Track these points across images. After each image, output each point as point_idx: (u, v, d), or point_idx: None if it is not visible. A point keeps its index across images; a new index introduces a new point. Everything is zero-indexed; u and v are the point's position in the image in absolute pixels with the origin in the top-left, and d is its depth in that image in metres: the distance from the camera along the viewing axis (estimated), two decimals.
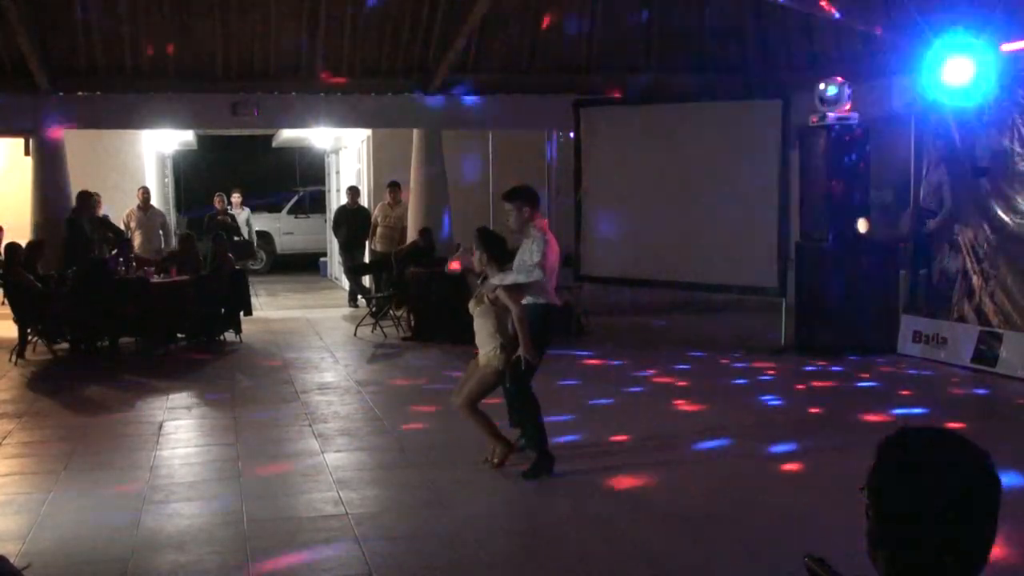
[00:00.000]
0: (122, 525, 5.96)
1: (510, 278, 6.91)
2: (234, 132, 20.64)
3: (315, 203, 24.95)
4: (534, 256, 6.92)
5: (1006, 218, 10.03)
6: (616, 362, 11.37)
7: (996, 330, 10.16)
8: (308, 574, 5.26)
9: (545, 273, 6.93)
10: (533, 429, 6.99)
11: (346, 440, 8.03)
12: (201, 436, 8.36)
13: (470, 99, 15.19)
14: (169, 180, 21.98)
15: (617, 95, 14.43)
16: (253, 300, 15.49)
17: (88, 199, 13.99)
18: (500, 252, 6.99)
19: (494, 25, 14.59)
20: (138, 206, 15.47)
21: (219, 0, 13.69)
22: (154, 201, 16.04)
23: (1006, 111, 9.98)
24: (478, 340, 6.91)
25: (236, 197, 19.30)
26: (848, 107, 11.26)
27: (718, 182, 11.99)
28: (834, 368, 10.58)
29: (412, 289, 13.28)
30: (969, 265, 10.52)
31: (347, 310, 15.97)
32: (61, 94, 14.15)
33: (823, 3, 11.49)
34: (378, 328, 13.37)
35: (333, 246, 19.68)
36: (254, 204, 20.88)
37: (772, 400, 9.38)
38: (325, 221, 22.09)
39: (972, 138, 10.42)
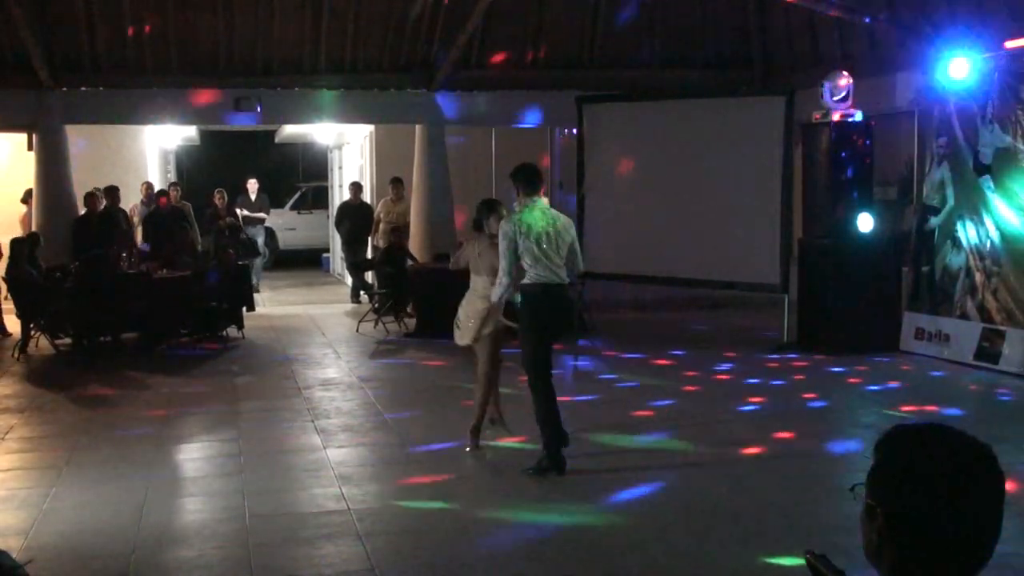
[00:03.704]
0: (124, 520, 5.97)
1: (497, 292, 7.02)
2: (237, 128, 20.62)
3: (318, 199, 24.96)
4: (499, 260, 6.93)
5: (1009, 215, 10.02)
6: (623, 355, 11.37)
7: (999, 327, 10.15)
8: (310, 569, 5.26)
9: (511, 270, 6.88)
10: (545, 422, 6.81)
11: (348, 436, 8.04)
12: (203, 431, 8.37)
13: (473, 95, 15.18)
14: (172, 175, 21.96)
15: (620, 91, 14.41)
16: (255, 296, 15.52)
17: (94, 198, 14.03)
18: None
19: (497, 21, 14.60)
20: (141, 201, 15.49)
21: None
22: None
23: (1009, 108, 9.97)
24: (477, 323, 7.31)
25: (253, 183, 19.01)
26: (851, 103, 11.24)
27: (721, 178, 11.97)
28: (836, 365, 10.56)
29: (414, 285, 13.29)
30: (972, 262, 10.51)
31: (350, 306, 15.98)
32: (64, 89, 14.15)
33: None
34: (380, 324, 13.38)
35: (336, 242, 19.68)
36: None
37: (773, 397, 9.37)
38: (328, 217, 22.12)
39: (975, 135, 10.40)
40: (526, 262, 6.79)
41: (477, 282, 7.36)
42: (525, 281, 6.85)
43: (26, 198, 14.95)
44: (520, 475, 6.76)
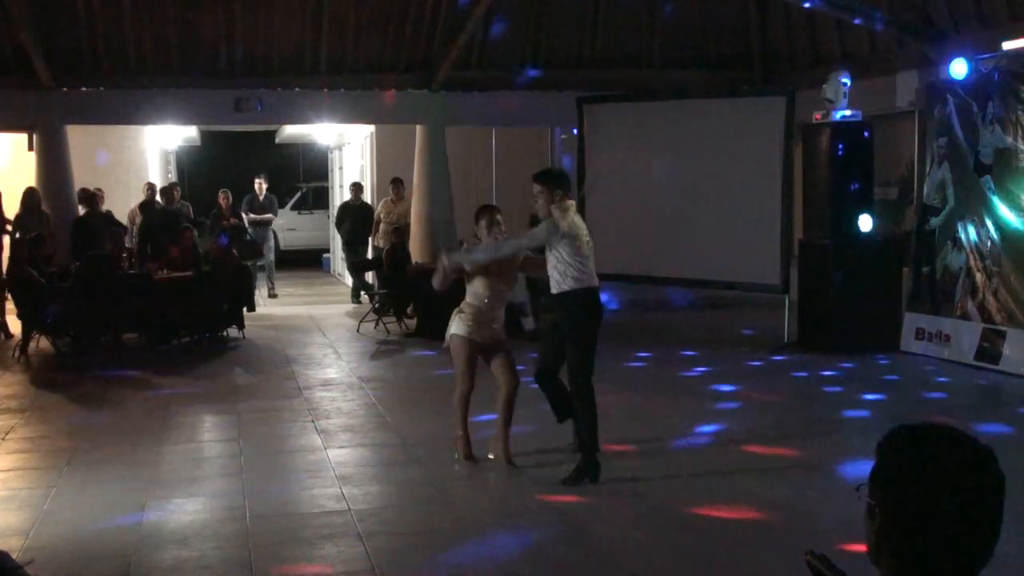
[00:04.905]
0: (125, 520, 5.98)
1: (475, 256, 6.94)
2: (237, 128, 20.64)
3: (318, 199, 25.00)
4: (521, 240, 6.87)
5: (1009, 215, 10.02)
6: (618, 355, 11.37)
7: (999, 327, 10.15)
8: (311, 570, 5.26)
9: (578, 257, 6.70)
10: (587, 427, 6.67)
11: (349, 436, 8.04)
12: (204, 432, 8.37)
13: (473, 95, 15.19)
14: (172, 176, 21.98)
15: (620, 91, 14.42)
16: (256, 296, 15.50)
17: (92, 197, 14.02)
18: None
19: (497, 21, 14.61)
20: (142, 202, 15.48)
21: None
22: (158, 197, 16.03)
23: (1009, 108, 9.96)
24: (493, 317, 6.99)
25: (260, 182, 17.66)
26: (851, 103, 11.24)
27: (721, 179, 11.97)
28: (836, 365, 10.56)
29: (414, 285, 13.29)
30: (972, 262, 10.50)
31: (350, 306, 15.98)
32: (64, 89, 14.16)
33: None
34: (381, 324, 13.38)
35: (336, 242, 19.67)
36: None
37: (773, 397, 9.37)
38: (328, 217, 22.12)
39: (975, 135, 10.40)
40: (581, 265, 6.70)
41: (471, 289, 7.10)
42: (578, 285, 6.68)
43: None
44: (521, 475, 6.76)
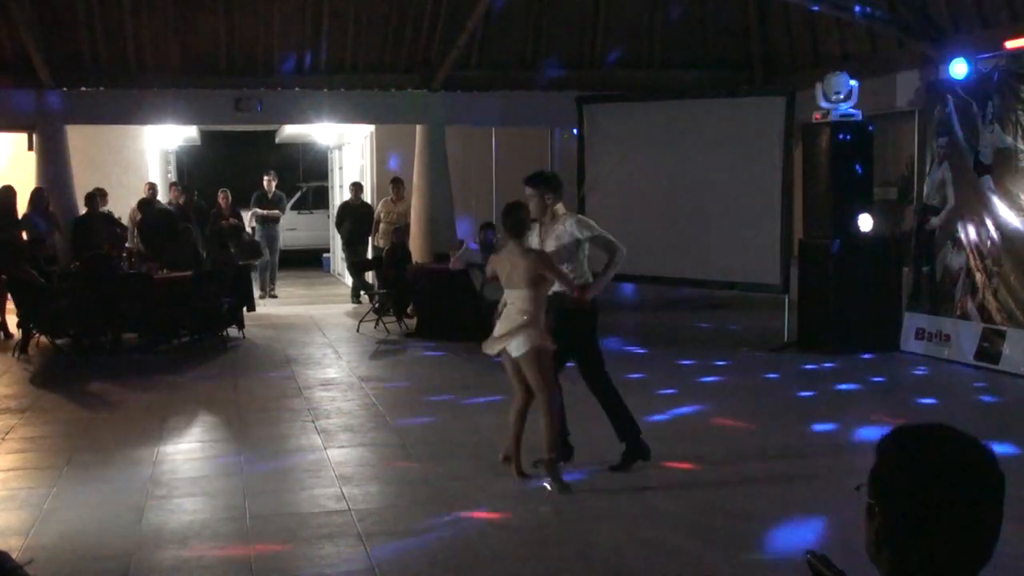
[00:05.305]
0: (125, 520, 5.98)
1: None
2: (237, 128, 20.64)
3: (318, 199, 25.00)
4: (607, 234, 6.71)
5: (1009, 215, 10.02)
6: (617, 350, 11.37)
7: (999, 327, 10.15)
8: (310, 570, 5.26)
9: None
10: (560, 412, 6.70)
11: (348, 436, 8.04)
12: (203, 431, 8.37)
13: (473, 95, 15.19)
14: (172, 176, 21.96)
15: (620, 91, 14.42)
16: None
17: (95, 198, 14.03)
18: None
19: (497, 21, 14.61)
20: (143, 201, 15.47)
21: None
22: (159, 196, 16.05)
23: (1009, 108, 9.97)
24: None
25: (269, 180, 17.56)
26: (852, 103, 11.24)
27: (721, 178, 11.97)
28: (836, 365, 10.57)
29: (414, 285, 13.30)
30: (972, 262, 10.51)
31: (350, 306, 15.98)
32: (64, 89, 14.16)
33: None
34: (381, 324, 13.38)
35: (336, 242, 19.68)
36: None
37: (774, 397, 9.37)
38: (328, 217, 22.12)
39: (975, 135, 10.40)
40: (585, 264, 6.71)
41: (512, 296, 6.50)
42: (582, 282, 6.67)
43: None
44: (520, 475, 6.74)
